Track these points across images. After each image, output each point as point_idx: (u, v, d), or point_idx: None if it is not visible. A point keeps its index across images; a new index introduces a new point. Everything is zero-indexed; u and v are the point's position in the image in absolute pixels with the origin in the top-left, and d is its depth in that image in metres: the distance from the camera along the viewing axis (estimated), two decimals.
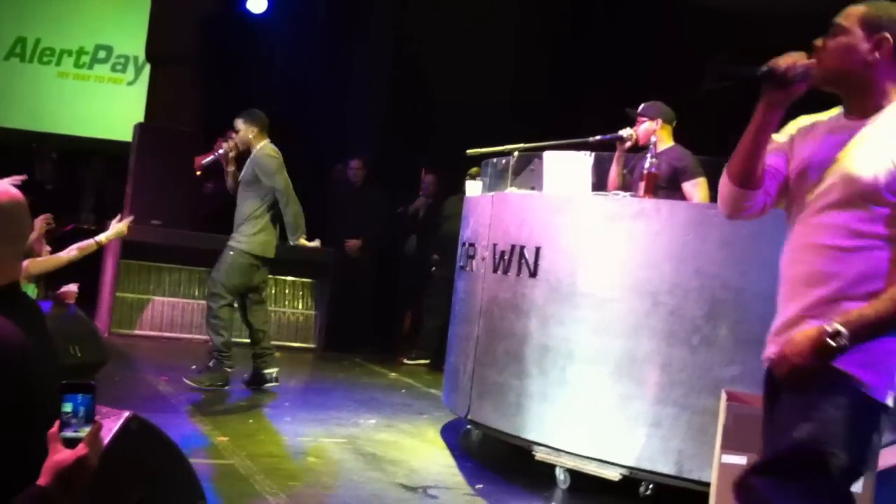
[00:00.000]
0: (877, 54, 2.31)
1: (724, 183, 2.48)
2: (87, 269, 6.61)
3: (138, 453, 2.34)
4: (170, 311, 8.16)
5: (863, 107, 2.35)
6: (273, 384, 6.44)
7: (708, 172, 5.16)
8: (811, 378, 2.22)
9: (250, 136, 6.43)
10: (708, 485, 3.48)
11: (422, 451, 5.35)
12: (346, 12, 10.59)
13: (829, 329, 2.18)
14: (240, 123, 6.48)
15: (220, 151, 6.51)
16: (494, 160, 5.76)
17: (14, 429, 1.83)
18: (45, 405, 1.91)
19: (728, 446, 3.30)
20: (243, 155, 6.49)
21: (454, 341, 5.71)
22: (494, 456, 5.22)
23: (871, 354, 2.23)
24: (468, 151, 5.62)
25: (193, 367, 6.44)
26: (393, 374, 8.05)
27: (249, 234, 6.35)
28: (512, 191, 5.36)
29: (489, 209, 5.32)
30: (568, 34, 10.08)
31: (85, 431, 1.72)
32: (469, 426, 5.56)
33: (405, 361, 8.62)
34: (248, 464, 4.54)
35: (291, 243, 6.38)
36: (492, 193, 5.53)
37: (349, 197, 9.19)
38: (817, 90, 2.37)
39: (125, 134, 9.43)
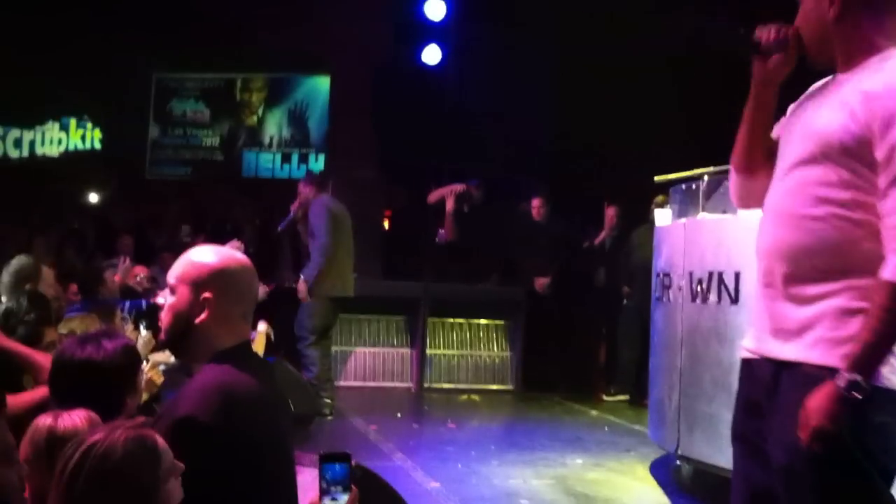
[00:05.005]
0: (834, 8, 2.09)
1: (730, 172, 2.33)
2: (290, 324, 6.95)
3: (364, 501, 2.41)
4: (371, 361, 8.36)
5: (844, 63, 2.12)
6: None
7: None
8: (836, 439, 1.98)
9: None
10: None
11: (633, 489, 5.25)
12: (513, 55, 10.69)
13: (842, 384, 1.95)
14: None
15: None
16: (682, 186, 5.63)
17: (249, 478, 1.91)
18: (281, 455, 1.99)
19: None
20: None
21: (656, 374, 5.59)
22: (708, 490, 5.05)
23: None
24: (656, 178, 5.53)
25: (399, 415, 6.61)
26: (594, 411, 7.96)
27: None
28: (704, 216, 5.23)
29: (682, 236, 5.20)
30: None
31: (344, 499, 1.77)
32: (679, 461, 5.40)
33: (605, 398, 8.51)
34: None
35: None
36: (683, 220, 5.41)
37: (534, 235, 9.23)
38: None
39: None
